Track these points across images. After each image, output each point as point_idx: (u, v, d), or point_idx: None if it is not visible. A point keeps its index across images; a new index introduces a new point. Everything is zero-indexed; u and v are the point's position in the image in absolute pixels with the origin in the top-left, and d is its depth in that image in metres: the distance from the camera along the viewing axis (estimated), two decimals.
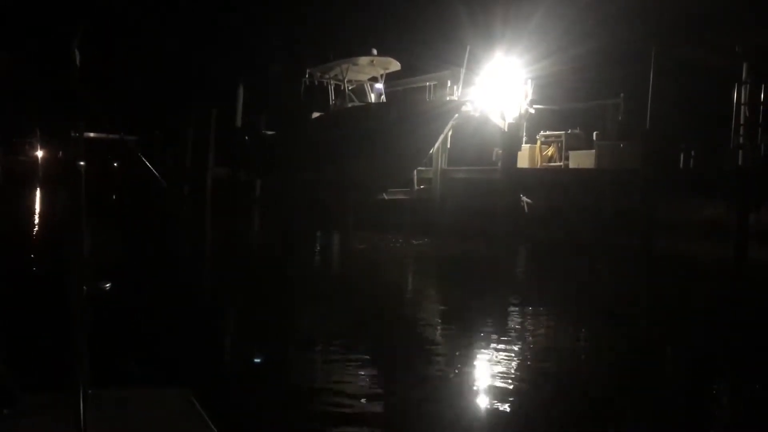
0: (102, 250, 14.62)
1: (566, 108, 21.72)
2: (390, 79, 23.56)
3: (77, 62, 2.34)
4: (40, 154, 43.33)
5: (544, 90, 20.82)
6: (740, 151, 16.48)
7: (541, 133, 20.94)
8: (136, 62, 40.73)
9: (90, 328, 2.06)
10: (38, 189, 35.28)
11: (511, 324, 8.61)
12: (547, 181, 19.66)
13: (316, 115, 23.12)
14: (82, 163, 1.93)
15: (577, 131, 20.16)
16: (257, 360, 6.47)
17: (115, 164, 44.45)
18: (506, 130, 19.86)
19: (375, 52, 22.02)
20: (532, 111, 20.52)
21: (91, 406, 2.17)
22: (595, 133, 19.14)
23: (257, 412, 5.03)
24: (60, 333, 2.05)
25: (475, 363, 6.70)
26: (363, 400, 5.36)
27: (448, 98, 20.36)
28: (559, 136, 20.37)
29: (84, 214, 1.97)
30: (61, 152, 43.47)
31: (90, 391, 2.17)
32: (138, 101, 40.13)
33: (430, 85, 22.30)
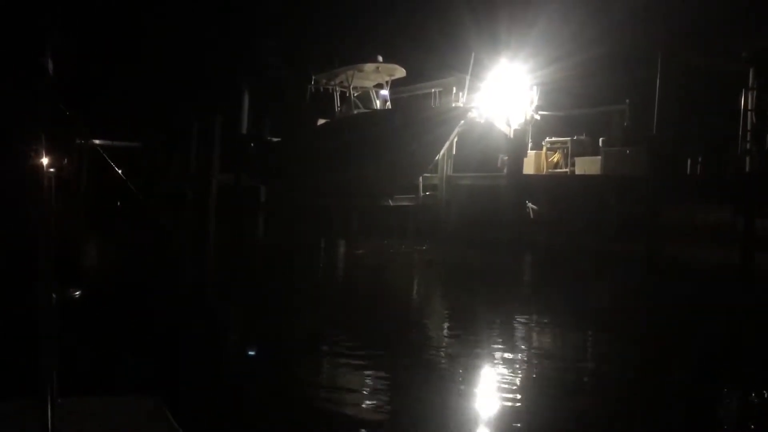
0: (103, 257, 14.61)
1: (572, 114, 21.66)
2: (395, 85, 23.53)
3: (50, 71, 2.31)
4: (45, 161, 43.40)
5: (549, 96, 20.76)
6: (747, 157, 16.41)
7: (547, 139, 20.88)
8: (140, 68, 40.84)
9: (59, 334, 2.02)
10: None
11: (517, 334, 8.55)
12: (552, 187, 19.60)
13: (321, 121, 23.11)
14: (52, 169, 1.90)
15: (582, 137, 20.10)
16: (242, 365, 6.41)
17: (119, 171, 44.44)
18: (512, 136, 19.81)
19: (380, 58, 22.01)
20: (538, 117, 20.46)
21: (60, 414, 2.13)
22: (600, 139, 19.07)
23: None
24: (29, 341, 2.01)
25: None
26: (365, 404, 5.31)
27: (453, 105, 20.32)
28: (564, 142, 20.31)
29: (53, 221, 1.93)
30: (66, 159, 43.65)
31: (59, 400, 2.13)
32: (142, 107, 40.18)
33: (435, 92, 22.24)
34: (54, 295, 2.00)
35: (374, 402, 5.56)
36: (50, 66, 2.31)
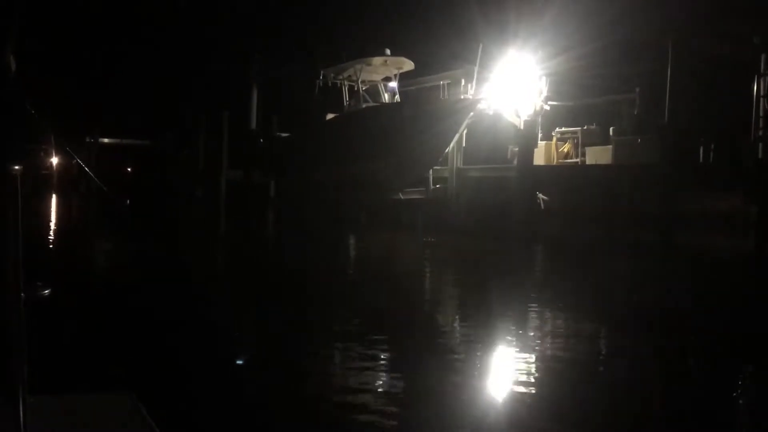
0: (109, 254, 14.65)
1: (581, 104, 21.55)
2: (403, 78, 23.48)
3: (13, 69, 2.26)
4: (55, 160, 43.58)
5: (558, 86, 20.66)
6: (760, 144, 16.27)
7: (557, 129, 20.78)
8: (148, 66, 40.93)
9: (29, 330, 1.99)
10: (53, 196, 35.53)
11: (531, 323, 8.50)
12: (563, 177, 19.51)
13: (330, 116, 23.09)
14: (17, 167, 1.87)
15: (593, 127, 19.99)
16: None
17: (129, 169, 44.76)
18: (521, 127, 19.72)
19: (388, 51, 21.95)
20: (547, 107, 20.36)
21: (31, 413, 2.09)
22: (611, 129, 18.96)
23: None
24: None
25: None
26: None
27: (462, 97, 20.25)
28: (575, 132, 20.21)
29: (20, 218, 1.92)
30: (75, 158, 43.79)
31: (30, 399, 2.09)
32: (151, 105, 40.34)
33: (443, 84, 22.19)
34: (22, 294, 1.99)
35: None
36: (13, 64, 2.26)
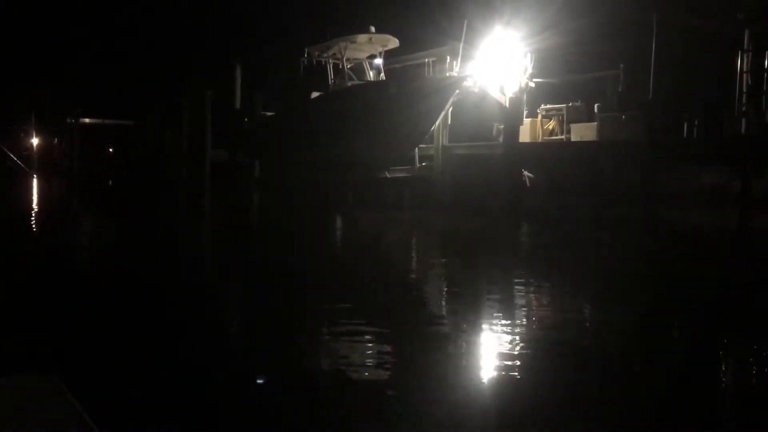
0: (95, 236, 14.56)
1: (566, 81, 21.52)
2: (388, 56, 23.33)
3: None
4: (35, 141, 43.10)
5: (543, 63, 20.61)
6: (743, 119, 16.37)
7: (542, 106, 20.76)
8: (130, 45, 40.46)
9: None
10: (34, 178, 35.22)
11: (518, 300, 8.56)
12: (548, 154, 19.55)
13: (315, 94, 22.95)
14: None
15: (578, 104, 19.98)
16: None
17: (110, 149, 44.37)
18: (507, 105, 19.70)
19: (373, 29, 21.78)
20: (532, 85, 20.32)
21: None
22: (596, 105, 18.98)
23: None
24: None
25: None
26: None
27: (448, 74, 20.17)
28: (560, 109, 20.18)
29: None
30: (56, 139, 43.35)
31: None
32: (133, 85, 39.92)
33: (429, 62, 22.07)
34: None
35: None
36: None
